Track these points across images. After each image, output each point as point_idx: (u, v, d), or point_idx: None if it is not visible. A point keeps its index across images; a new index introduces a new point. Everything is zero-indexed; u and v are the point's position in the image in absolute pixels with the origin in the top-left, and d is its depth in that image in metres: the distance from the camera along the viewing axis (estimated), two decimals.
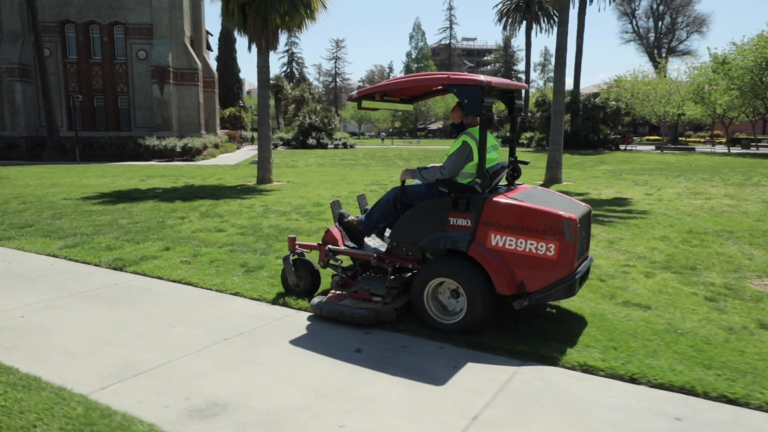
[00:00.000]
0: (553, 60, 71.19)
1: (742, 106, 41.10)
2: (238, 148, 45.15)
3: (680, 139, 60.94)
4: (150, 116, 34.25)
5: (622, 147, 44.05)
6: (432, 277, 4.19)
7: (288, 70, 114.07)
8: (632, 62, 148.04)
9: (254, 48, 14.78)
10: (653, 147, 47.74)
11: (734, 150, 43.98)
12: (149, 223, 8.43)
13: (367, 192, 13.17)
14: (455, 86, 4.23)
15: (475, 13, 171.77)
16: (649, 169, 23.10)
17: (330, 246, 4.78)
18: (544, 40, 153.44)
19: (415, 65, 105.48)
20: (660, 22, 69.84)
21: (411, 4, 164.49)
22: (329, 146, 44.41)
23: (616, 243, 7.47)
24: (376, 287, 4.43)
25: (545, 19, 57.14)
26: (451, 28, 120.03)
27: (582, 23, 47.03)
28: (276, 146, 45.20)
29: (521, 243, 3.95)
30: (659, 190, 14.03)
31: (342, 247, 4.76)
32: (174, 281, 5.38)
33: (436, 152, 37.67)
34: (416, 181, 4.70)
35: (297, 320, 4.41)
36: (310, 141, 44.00)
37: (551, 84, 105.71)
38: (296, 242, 5.02)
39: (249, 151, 41.18)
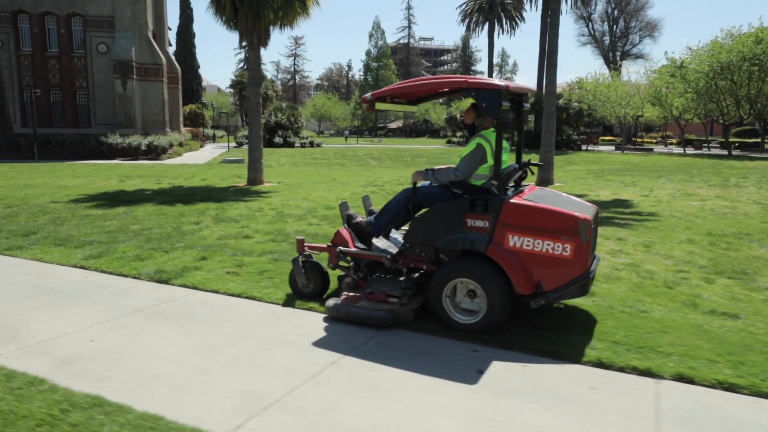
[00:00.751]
0: (510, 61, 71.64)
1: (697, 109, 42.76)
2: (201, 146, 43.87)
3: (633, 139, 62.96)
4: (111, 113, 32.80)
5: (584, 147, 45.15)
6: (451, 278, 4.24)
7: (244, 67, 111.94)
8: (589, 64, 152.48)
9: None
10: (613, 147, 49.10)
11: (688, 150, 45.77)
12: (164, 229, 7.91)
13: (366, 193, 12.90)
14: (473, 90, 4.28)
15: (431, 13, 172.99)
16: (619, 169, 23.64)
17: (341, 248, 4.76)
18: (504, 42, 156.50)
19: (375, 64, 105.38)
20: (614, 26, 72.02)
21: (370, 2, 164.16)
22: (296, 145, 43.70)
23: (651, 247, 7.47)
24: (392, 288, 4.45)
25: (507, 20, 57.96)
26: (409, 27, 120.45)
27: (545, 26, 47.92)
28: (241, 144, 44.19)
29: (538, 243, 4.06)
30: (652, 191, 14.30)
31: (353, 249, 4.76)
32: (234, 295, 4.99)
33: (405, 151, 37.62)
34: (427, 183, 4.71)
35: (387, 339, 4.13)
36: (277, 139, 43.13)
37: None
38: (305, 244, 5.01)
39: (213, 150, 40.08)
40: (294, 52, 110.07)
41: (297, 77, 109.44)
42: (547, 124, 15.96)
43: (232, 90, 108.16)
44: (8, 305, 4.60)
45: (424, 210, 4.78)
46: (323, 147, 44.07)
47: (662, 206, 11.46)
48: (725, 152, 42.17)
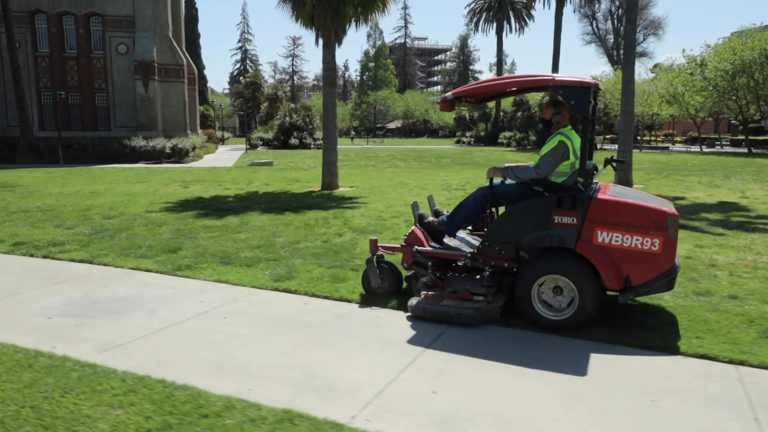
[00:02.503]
0: (509, 60, 71.09)
1: (714, 107, 42.63)
2: (215, 149, 42.99)
3: (637, 138, 62.90)
4: (132, 115, 31.87)
5: (598, 146, 44.76)
6: (541, 275, 4.24)
7: (241, 68, 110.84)
8: (592, 63, 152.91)
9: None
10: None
11: (696, 148, 45.57)
12: (312, 242, 7.25)
13: (442, 194, 12.33)
14: (561, 88, 4.29)
15: (425, 12, 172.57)
16: (660, 168, 23.23)
17: (418, 248, 4.73)
18: (512, 40, 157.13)
19: (373, 63, 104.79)
20: (619, 25, 71.94)
21: None
22: (312, 146, 42.97)
23: None
24: (475, 286, 4.46)
25: (516, 19, 57.59)
26: (405, 27, 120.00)
27: (559, 24, 47.65)
28: (255, 146, 43.40)
29: (627, 239, 4.09)
30: (743, 192, 13.85)
31: (428, 248, 4.74)
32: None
33: (424, 152, 37.07)
34: (508, 181, 4.74)
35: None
36: (293, 141, 42.48)
37: None
38: (378, 244, 5.03)
39: (230, 152, 39.21)
40: (292, 52, 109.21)
41: (295, 78, 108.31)
42: (626, 123, 15.46)
43: (228, 89, 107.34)
44: (266, 343, 3.96)
45: (501, 208, 4.89)
46: (340, 148, 43.36)
47: None
48: (739, 150, 42.15)
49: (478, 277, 4.57)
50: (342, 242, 7.32)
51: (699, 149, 44.09)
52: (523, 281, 4.31)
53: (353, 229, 8.24)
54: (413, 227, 4.95)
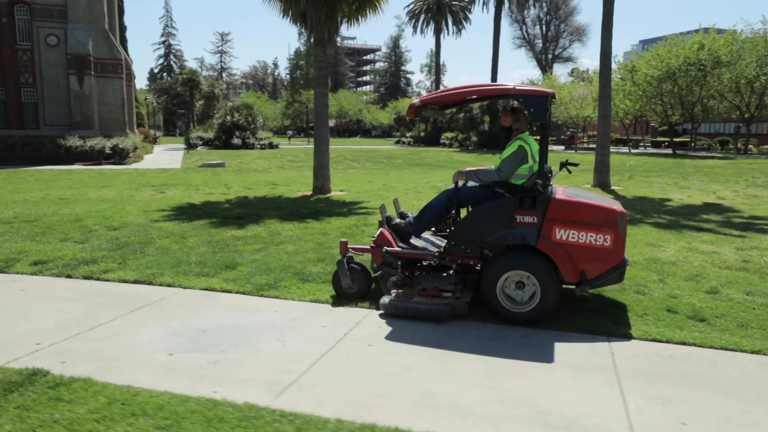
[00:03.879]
0: (439, 61, 72.20)
1: (641, 110, 45.30)
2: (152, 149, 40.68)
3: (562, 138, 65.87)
4: (64, 112, 29.53)
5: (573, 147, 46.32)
6: (505, 271, 4.52)
7: (165, 63, 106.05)
8: (523, 65, 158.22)
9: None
10: (563, 147, 50.95)
11: (622, 150, 48.31)
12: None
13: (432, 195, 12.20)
14: (522, 96, 4.59)
15: None
16: (590, 169, 24.24)
17: (387, 248, 4.91)
18: (446, 42, 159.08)
19: (304, 62, 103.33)
20: (546, 30, 75.02)
21: None
22: (256, 146, 41.67)
23: None
24: (443, 284, 4.70)
25: (454, 22, 58.64)
26: (289, 24, 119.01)
27: (498, 28, 48.90)
28: (195, 146, 41.54)
29: (582, 235, 4.45)
30: (714, 192, 14.67)
31: (397, 248, 4.94)
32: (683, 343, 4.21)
33: (373, 152, 36.90)
34: (470, 183, 5.05)
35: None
36: (235, 141, 41.03)
37: (440, 86, 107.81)
38: (348, 246, 5.16)
39: (169, 153, 37.22)
40: (220, 48, 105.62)
41: (224, 75, 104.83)
42: (603, 127, 15.97)
43: (150, 85, 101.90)
44: (450, 373, 3.61)
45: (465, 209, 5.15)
46: (282, 148, 42.36)
47: (764, 210, 11.67)
48: (661, 151, 45.06)
49: (444, 275, 4.84)
50: None
51: (627, 150, 46.62)
52: (488, 277, 4.58)
53: None
54: (381, 229, 5.13)
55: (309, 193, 13.75)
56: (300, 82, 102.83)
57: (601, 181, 15.89)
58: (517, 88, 4.64)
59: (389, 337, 4.23)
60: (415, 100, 4.91)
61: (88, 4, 29.26)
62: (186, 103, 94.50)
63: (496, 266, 4.56)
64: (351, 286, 5.11)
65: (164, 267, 6.14)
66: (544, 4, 71.18)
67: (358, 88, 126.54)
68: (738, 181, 17.93)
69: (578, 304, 5.04)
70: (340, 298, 5.10)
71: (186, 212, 10.28)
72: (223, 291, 5.32)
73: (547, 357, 3.90)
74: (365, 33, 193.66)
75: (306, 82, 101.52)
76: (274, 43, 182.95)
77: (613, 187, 15.81)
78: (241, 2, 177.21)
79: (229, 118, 41.96)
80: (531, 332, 4.39)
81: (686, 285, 5.67)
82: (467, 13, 57.19)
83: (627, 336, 4.30)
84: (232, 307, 4.90)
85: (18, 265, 6.27)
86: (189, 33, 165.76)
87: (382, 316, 4.65)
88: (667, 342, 4.19)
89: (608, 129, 16.02)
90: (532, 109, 4.53)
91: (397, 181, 17.68)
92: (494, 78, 48.49)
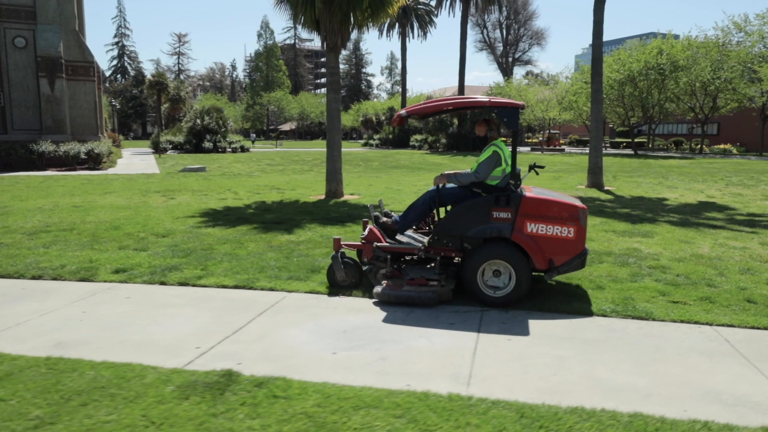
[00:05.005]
0: (398, 64, 73.25)
1: (604, 111, 46.99)
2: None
3: (525, 141, 67.61)
4: (33, 117, 28.51)
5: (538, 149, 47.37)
6: (485, 260, 5.13)
7: (119, 64, 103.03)
8: (484, 68, 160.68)
9: None
10: (529, 149, 52.30)
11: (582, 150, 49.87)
12: None
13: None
14: (496, 108, 5.23)
15: None
16: (580, 169, 25.19)
17: (377, 244, 5.47)
18: (404, 45, 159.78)
19: (264, 64, 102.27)
20: (507, 34, 76.74)
21: (257, 1, 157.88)
22: (227, 150, 41.21)
23: None
24: (429, 274, 5.28)
25: (419, 25, 59.28)
26: (294, 28, 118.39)
27: (464, 33, 49.86)
28: (165, 150, 40.72)
29: (550, 228, 5.09)
30: (702, 191, 15.60)
31: (386, 244, 5.50)
32: None
33: (350, 155, 37.06)
34: (450, 185, 5.62)
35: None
36: (206, 144, 40.49)
37: (398, 88, 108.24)
38: (341, 242, 5.68)
39: (140, 157, 36.35)
40: (178, 50, 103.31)
41: (182, 76, 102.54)
42: (596, 130, 16.69)
43: (102, 88, 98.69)
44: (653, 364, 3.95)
45: (448, 207, 5.69)
46: (252, 152, 41.99)
47: (756, 207, 12.55)
48: (622, 151, 46.88)
49: (429, 266, 5.46)
50: None
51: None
52: (469, 267, 5.16)
53: None
54: (370, 227, 5.67)
55: (322, 196, 13.89)
56: (260, 84, 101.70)
57: (595, 182, 16.61)
58: (492, 100, 5.27)
59: (519, 333, 4.55)
60: (402, 111, 5.46)
61: (59, 4, 28.39)
62: (143, 105, 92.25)
63: (476, 257, 5.14)
64: (345, 279, 5.63)
65: (251, 272, 6.27)
66: (504, 9, 72.78)
67: (317, 90, 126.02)
68: (716, 181, 19.04)
69: (675, 302, 5.48)
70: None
71: (217, 218, 10.30)
72: (329, 295, 5.52)
73: (676, 347, 4.30)
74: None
75: (266, 84, 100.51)
76: (230, 45, 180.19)
77: (607, 188, 16.55)
78: (197, 3, 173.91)
79: (199, 121, 41.33)
80: (647, 324, 4.78)
81: (745, 278, 6.22)
82: (432, 17, 57.97)
83: (727, 324, 4.75)
84: (349, 308, 5.12)
85: (101, 273, 6.27)
86: (143, 34, 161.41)
87: (376, 303, 5.19)
88: (765, 329, 4.66)
89: (601, 132, 16.77)
90: (506, 119, 5.16)
91: (396, 183, 17.98)
92: (462, 81, 49.36)
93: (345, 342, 4.29)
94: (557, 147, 49.08)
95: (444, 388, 3.48)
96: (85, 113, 30.34)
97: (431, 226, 6.10)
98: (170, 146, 41.61)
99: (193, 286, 5.84)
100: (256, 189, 16.02)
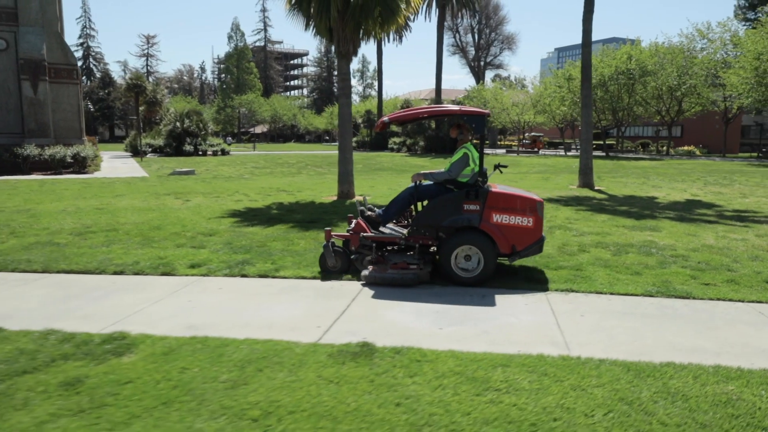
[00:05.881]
0: (371, 67, 74.28)
1: (576, 115, 48.63)
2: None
3: (498, 143, 69.16)
4: (13, 120, 28.12)
5: (538, 152, 48.47)
6: (458, 246, 5.98)
7: (84, 66, 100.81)
8: (457, 71, 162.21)
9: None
10: (504, 151, 53.61)
11: (553, 152, 51.53)
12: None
13: None
14: (466, 116, 6.19)
15: (278, 15, 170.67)
16: (560, 170, 26.42)
17: (364, 234, 6.29)
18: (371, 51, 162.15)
19: (236, 66, 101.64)
20: (479, 39, 78.24)
21: (227, 2, 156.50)
22: (208, 153, 41.20)
23: None
24: (410, 259, 6.14)
25: (396, 30, 60.13)
26: (265, 30, 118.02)
27: (441, 38, 50.91)
28: (144, 153, 40.41)
29: (512, 218, 5.99)
30: (686, 190, 16.70)
31: (372, 234, 6.34)
32: None
33: (328, 158, 37.46)
34: (426, 182, 6.46)
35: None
36: (187, 148, 40.44)
37: (371, 90, 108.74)
38: (331, 233, 6.46)
39: (121, 161, 36.06)
40: (146, 51, 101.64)
41: (150, 79, 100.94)
42: (586, 133, 17.66)
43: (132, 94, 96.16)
44: None
45: (425, 202, 6.51)
46: (234, 155, 42.06)
47: (738, 204, 13.65)
48: (593, 153, 48.57)
49: (409, 253, 6.30)
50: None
51: (564, 153, 49.86)
52: (444, 252, 6.00)
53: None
54: (357, 220, 6.47)
55: (335, 197, 14.42)
56: (231, 86, 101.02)
57: (586, 182, 17.58)
58: (462, 109, 6.18)
59: (588, 311, 5.25)
60: (385, 118, 6.40)
61: (41, 6, 28.11)
62: (111, 108, 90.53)
63: (450, 244, 5.98)
64: (335, 265, 6.39)
65: (317, 265, 6.80)
66: (476, 14, 74.24)
67: (287, 93, 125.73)
68: (693, 180, 20.29)
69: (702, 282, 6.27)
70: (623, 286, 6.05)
71: (248, 218, 10.75)
72: (321, 280, 6.22)
73: (723, 318, 5.06)
74: (292, 37, 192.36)
75: (237, 86, 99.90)
76: (197, 47, 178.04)
77: (597, 188, 17.53)
78: (162, 5, 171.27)
79: (179, 124, 41.17)
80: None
81: (757, 264, 7.07)
82: (408, 22, 58.93)
83: (757, 301, 5.55)
84: (433, 293, 5.73)
85: (178, 268, 6.73)
86: (108, 35, 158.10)
87: (364, 285, 6.00)
88: None
89: (590, 135, 17.74)
90: (474, 125, 6.13)
91: (396, 184, 18.62)
92: (438, 84, 50.37)
93: (443, 320, 4.91)
94: (540, 149, 50.51)
95: (552, 352, 4.15)
96: (69, 116, 30.06)
97: (409, 220, 6.79)
98: (150, 149, 41.34)
99: (273, 277, 6.37)
100: (263, 191, 16.43)
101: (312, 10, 13.42)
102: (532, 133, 56.50)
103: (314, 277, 6.35)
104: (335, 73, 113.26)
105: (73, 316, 5.02)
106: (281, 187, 17.70)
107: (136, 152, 41.05)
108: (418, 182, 6.41)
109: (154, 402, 3.34)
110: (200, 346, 4.22)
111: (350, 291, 5.83)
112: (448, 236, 6.04)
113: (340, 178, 14.47)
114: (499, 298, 5.57)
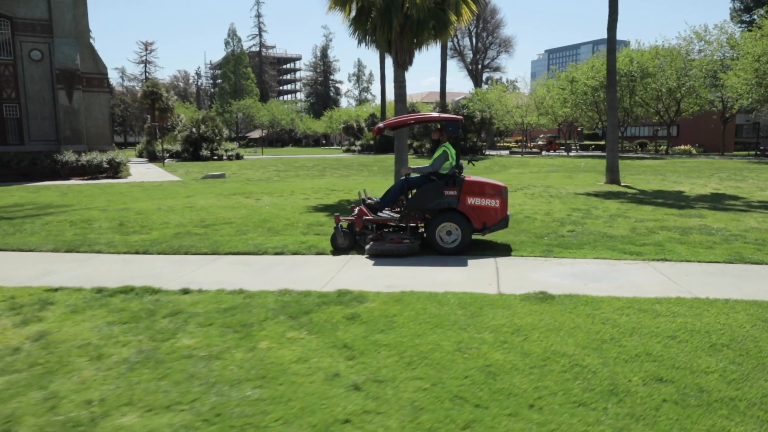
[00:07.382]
0: (366, 71, 75.61)
1: (577, 116, 50.35)
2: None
3: (496, 144, 70.71)
4: (49, 128, 29.22)
5: (544, 153, 49.69)
6: (441, 223, 7.64)
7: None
8: (455, 74, 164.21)
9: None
10: (507, 152, 55.15)
11: (555, 152, 53.15)
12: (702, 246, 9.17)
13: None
14: (443, 121, 8.27)
15: (277, 21, 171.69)
16: (568, 169, 27.88)
17: (365, 217, 7.90)
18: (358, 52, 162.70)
19: (233, 72, 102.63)
20: (476, 42, 79.89)
21: (221, 8, 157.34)
22: (224, 158, 42.32)
23: None
24: (404, 236, 7.75)
25: None
26: (260, 35, 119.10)
27: (445, 43, 52.40)
28: (163, 159, 41.46)
29: (483, 201, 7.68)
30: (705, 186, 18.16)
31: (372, 217, 7.92)
32: None
33: (345, 161, 38.84)
34: (414, 175, 8.09)
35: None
36: (204, 152, 41.48)
37: (366, 94, 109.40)
38: (340, 217, 8.03)
39: (145, 166, 37.03)
40: (145, 58, 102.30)
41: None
42: (611, 133, 19.13)
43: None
44: None
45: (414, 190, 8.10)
46: (249, 159, 43.23)
47: (759, 196, 15.11)
48: (592, 153, 50.30)
49: (402, 232, 7.90)
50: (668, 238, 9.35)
51: (566, 153, 51.48)
52: (431, 229, 7.66)
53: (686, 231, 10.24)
54: (359, 207, 8.04)
55: None
56: (228, 91, 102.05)
57: (613, 179, 19.01)
58: (440, 116, 8.35)
59: (691, 272, 6.61)
60: (380, 124, 8.26)
61: (74, 18, 29.23)
62: (112, 114, 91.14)
63: (435, 222, 7.62)
64: (344, 243, 7.92)
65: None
66: (473, 18, 75.86)
67: (281, 97, 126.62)
68: (707, 177, 21.83)
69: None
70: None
71: (336, 211, 12.02)
72: (557, 257, 7.42)
73: None
74: (285, 42, 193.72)
75: (234, 91, 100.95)
76: (190, 53, 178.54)
77: (624, 184, 18.95)
78: (157, 12, 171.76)
79: (195, 130, 42.25)
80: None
81: None
82: None
83: None
84: (558, 263, 7.07)
85: (327, 249, 8.01)
86: (109, 42, 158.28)
87: (367, 258, 7.52)
88: None
89: (616, 135, 19.23)
90: (450, 129, 8.08)
91: None
92: (443, 87, 51.85)
93: (583, 279, 6.26)
94: (556, 150, 52.09)
95: (686, 295, 5.50)
96: (99, 123, 31.17)
97: (401, 207, 8.13)
98: (167, 155, 42.39)
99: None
100: (318, 191, 17.70)
101: (369, 25, 14.74)
102: (548, 134, 58.05)
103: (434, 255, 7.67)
104: (331, 77, 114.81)
105: (282, 282, 6.23)
106: (329, 187, 18.97)
107: (153, 157, 42.10)
108: (408, 175, 8.09)
109: (425, 327, 4.65)
110: (416, 297, 5.52)
111: (494, 263, 7.16)
112: (433, 216, 7.65)
113: (396, 177, 15.77)
114: (624, 265, 6.93)
